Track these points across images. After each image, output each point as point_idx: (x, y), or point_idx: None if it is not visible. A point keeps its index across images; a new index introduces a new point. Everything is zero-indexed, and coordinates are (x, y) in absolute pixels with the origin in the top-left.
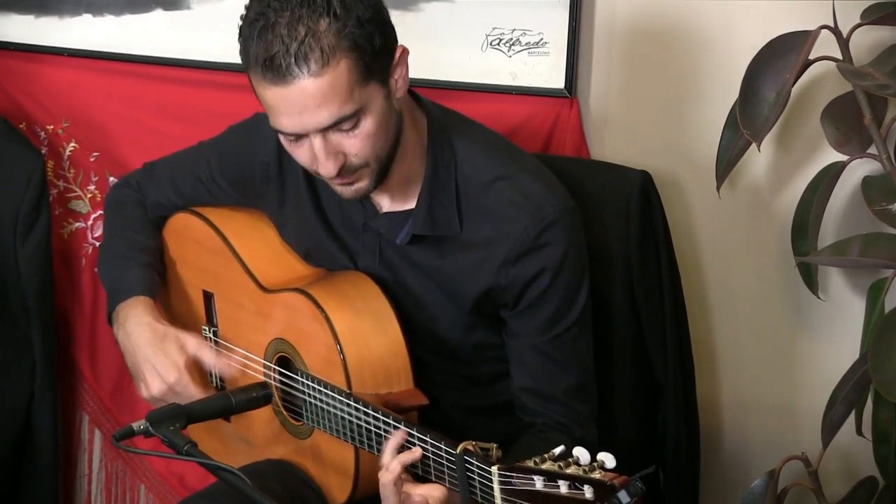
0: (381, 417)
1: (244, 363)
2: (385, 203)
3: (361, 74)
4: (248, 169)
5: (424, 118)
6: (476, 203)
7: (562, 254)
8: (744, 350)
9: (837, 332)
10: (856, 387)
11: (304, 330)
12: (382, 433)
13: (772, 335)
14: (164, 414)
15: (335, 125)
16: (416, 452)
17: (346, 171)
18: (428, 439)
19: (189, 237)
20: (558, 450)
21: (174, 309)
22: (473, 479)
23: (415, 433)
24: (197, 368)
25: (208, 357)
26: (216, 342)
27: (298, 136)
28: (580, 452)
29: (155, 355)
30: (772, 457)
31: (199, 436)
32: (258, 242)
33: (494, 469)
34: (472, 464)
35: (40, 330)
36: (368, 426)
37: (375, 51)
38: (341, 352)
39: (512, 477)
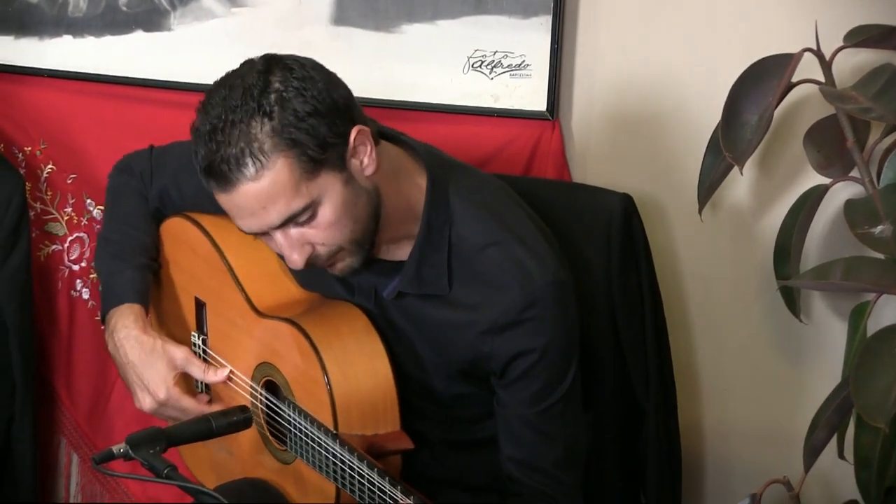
0: (365, 469)
1: (232, 379)
2: (375, 251)
3: (306, 169)
4: None
5: (423, 172)
6: (468, 265)
7: (548, 334)
8: (726, 374)
9: (820, 355)
10: (838, 411)
11: (294, 362)
12: (366, 480)
13: (754, 359)
14: (144, 437)
15: (288, 221)
16: None
17: (319, 258)
18: None
19: (185, 242)
20: None
21: (165, 309)
22: None
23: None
24: (184, 378)
25: (197, 371)
26: (205, 350)
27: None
28: None
29: (144, 371)
30: (754, 481)
31: None
32: (254, 261)
33: None
34: None
35: (20, 352)
36: (351, 470)
37: (321, 142)
38: (330, 391)
39: None
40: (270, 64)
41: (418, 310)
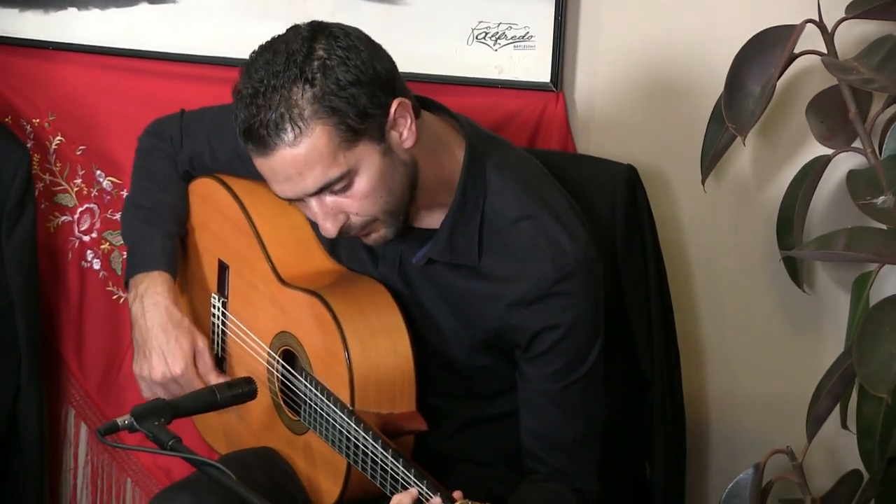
0: (380, 449)
1: (249, 344)
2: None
3: (345, 138)
4: None
5: (463, 145)
6: (498, 238)
7: (576, 310)
8: (729, 344)
9: (822, 325)
10: (840, 380)
11: (315, 334)
12: (379, 459)
13: (757, 329)
14: (148, 409)
15: (324, 189)
16: None
17: (353, 228)
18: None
19: (212, 203)
20: None
21: (188, 270)
22: None
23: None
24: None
25: (203, 365)
26: (224, 314)
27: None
28: None
29: (167, 342)
30: (758, 450)
31: None
32: (283, 228)
33: None
34: None
35: (25, 324)
36: (365, 447)
37: (361, 112)
38: (350, 367)
39: None
40: (316, 31)
41: (446, 278)
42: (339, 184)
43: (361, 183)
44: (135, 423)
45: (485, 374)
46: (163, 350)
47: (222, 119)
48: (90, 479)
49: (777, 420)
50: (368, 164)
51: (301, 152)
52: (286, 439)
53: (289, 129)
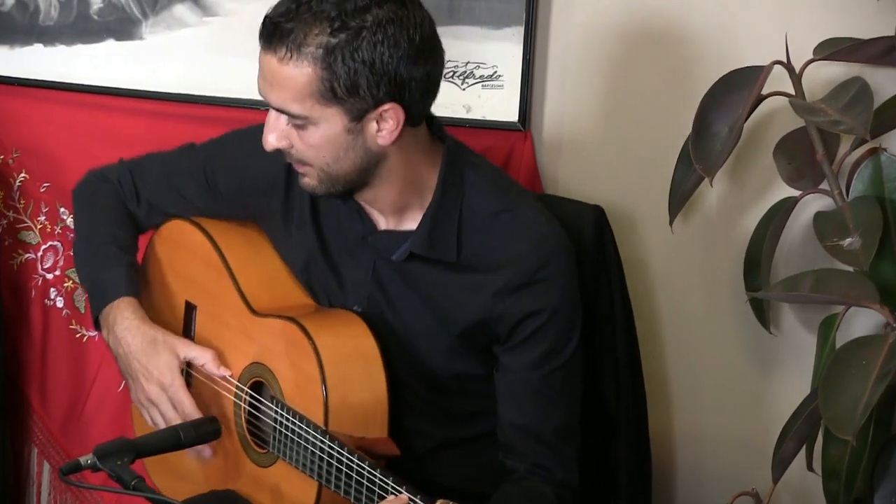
0: (356, 461)
1: (216, 381)
2: (382, 222)
3: (323, 94)
4: (253, 175)
5: (441, 149)
6: (478, 232)
7: (559, 295)
8: (696, 384)
9: (789, 367)
10: (807, 422)
11: (288, 359)
12: (354, 473)
13: (724, 370)
14: (111, 448)
15: (281, 111)
16: None
17: (290, 157)
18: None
19: (182, 245)
20: None
21: (151, 315)
22: None
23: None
24: None
25: (199, 358)
26: None
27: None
28: None
29: (148, 360)
30: (724, 490)
31: None
32: (255, 264)
33: None
34: None
35: None
36: (339, 463)
37: (352, 88)
38: (325, 388)
39: None
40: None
41: (426, 275)
42: (295, 120)
43: (314, 135)
44: (97, 463)
45: (460, 386)
46: (147, 368)
47: (175, 159)
48: None
49: (743, 461)
50: (327, 126)
51: (281, 71)
52: (252, 476)
53: (286, 48)
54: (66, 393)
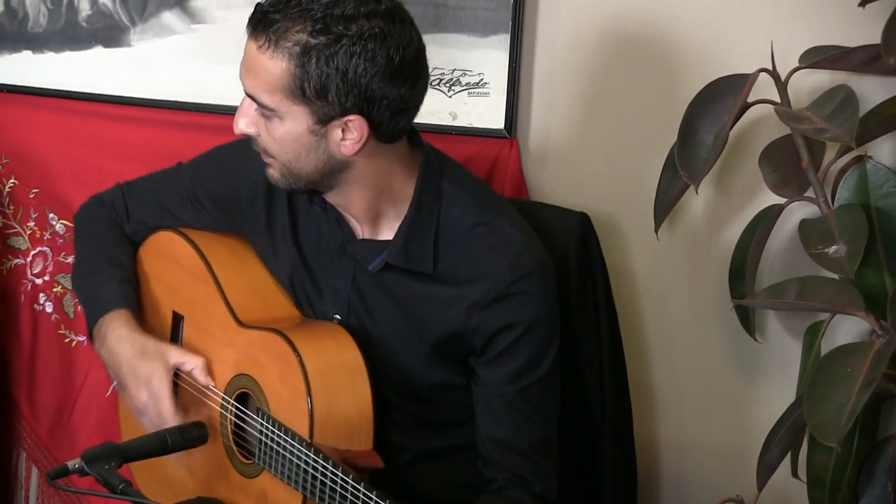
0: (340, 475)
1: (202, 391)
2: (359, 230)
3: (293, 91)
4: (235, 189)
5: (419, 158)
6: (455, 245)
7: (535, 310)
8: (681, 391)
9: (774, 374)
10: (791, 429)
11: (274, 371)
12: (339, 486)
13: (709, 377)
14: (99, 453)
15: (253, 100)
16: None
17: (257, 144)
18: None
19: (170, 256)
20: None
21: (140, 325)
22: None
23: None
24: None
25: (188, 365)
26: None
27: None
28: None
29: (139, 366)
30: (709, 497)
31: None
32: (241, 275)
33: None
34: None
35: None
36: (324, 476)
37: (320, 91)
38: (310, 401)
39: None
40: (386, 11)
41: (402, 285)
42: (264, 110)
43: (279, 129)
44: (85, 467)
45: (439, 395)
46: (137, 374)
47: (164, 178)
48: None
49: (728, 468)
50: (292, 124)
51: (258, 59)
52: (238, 485)
53: (266, 38)
54: (55, 397)
